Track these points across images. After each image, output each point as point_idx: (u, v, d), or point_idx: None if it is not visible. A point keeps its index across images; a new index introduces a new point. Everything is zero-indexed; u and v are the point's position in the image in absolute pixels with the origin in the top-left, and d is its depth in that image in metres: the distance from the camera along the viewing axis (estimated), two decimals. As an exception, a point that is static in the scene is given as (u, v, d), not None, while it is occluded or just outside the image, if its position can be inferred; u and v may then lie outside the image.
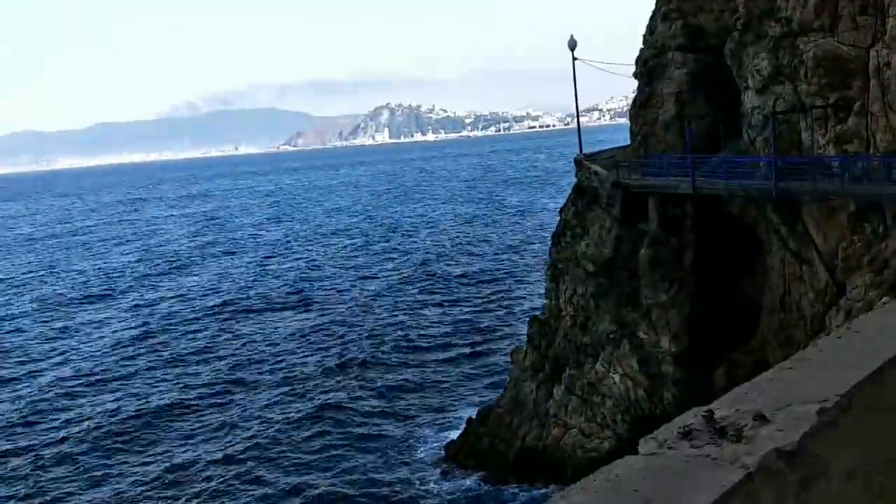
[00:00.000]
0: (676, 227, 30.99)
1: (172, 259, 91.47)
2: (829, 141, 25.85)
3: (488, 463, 34.19)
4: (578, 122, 33.64)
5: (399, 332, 49.97)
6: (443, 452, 35.97)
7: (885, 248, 24.45)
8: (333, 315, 55.81)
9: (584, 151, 33.10)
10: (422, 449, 36.87)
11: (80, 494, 32.81)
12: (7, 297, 74.85)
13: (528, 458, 33.18)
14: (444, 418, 38.69)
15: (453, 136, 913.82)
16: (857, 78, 24.95)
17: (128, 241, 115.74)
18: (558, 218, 33.80)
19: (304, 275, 73.63)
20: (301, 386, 42.68)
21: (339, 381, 42.90)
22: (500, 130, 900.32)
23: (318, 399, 40.91)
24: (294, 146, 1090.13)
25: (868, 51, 24.59)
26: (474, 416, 36.18)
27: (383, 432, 38.57)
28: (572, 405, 32.81)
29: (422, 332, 49.39)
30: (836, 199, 25.50)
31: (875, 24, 24.29)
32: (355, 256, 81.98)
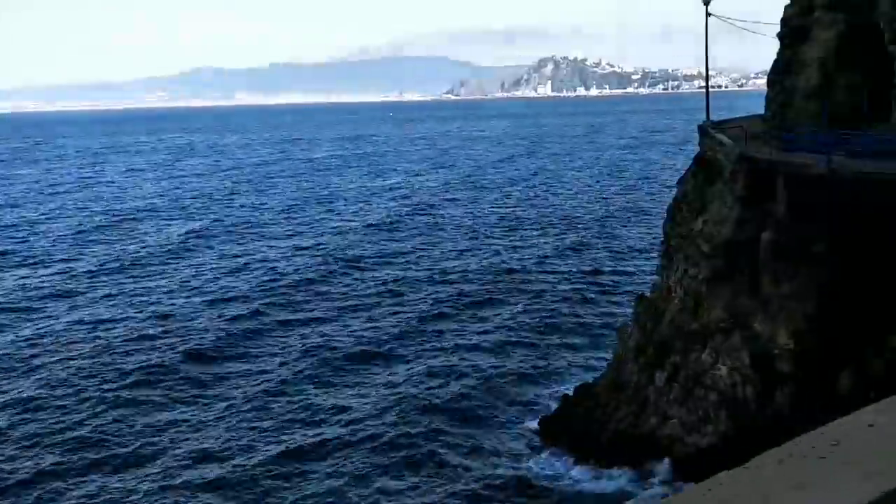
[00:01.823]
0: (808, 212, 27.49)
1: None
2: None
3: (582, 443, 32.55)
4: (707, 83, 30.32)
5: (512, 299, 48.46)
6: (537, 426, 34.70)
7: None
8: (449, 285, 54.58)
9: (712, 118, 29.94)
10: (517, 422, 35.69)
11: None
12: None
13: (622, 444, 31.21)
14: (544, 392, 37.20)
15: (618, 91, 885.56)
16: None
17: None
18: (676, 189, 30.96)
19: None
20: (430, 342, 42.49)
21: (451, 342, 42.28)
22: (668, 89, 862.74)
23: (439, 360, 40.42)
24: (456, 95, 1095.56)
25: None
26: (571, 393, 34.51)
27: (484, 403, 37.59)
28: (674, 394, 30.39)
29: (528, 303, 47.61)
30: None
31: None
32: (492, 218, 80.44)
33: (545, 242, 64.77)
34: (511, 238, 68.06)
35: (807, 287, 27.88)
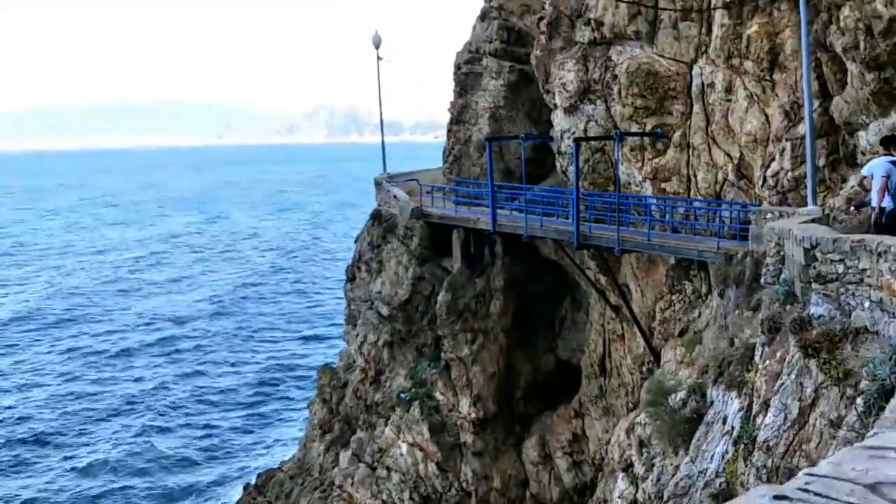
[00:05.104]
0: (483, 270, 25.70)
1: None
2: (645, 177, 20.81)
3: (264, 539, 28.38)
4: (382, 132, 28.04)
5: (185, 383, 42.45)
6: (218, 521, 30.12)
7: (697, 317, 19.47)
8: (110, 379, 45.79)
9: (388, 171, 27.56)
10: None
11: None
12: None
13: (304, 538, 27.46)
14: (229, 476, 32.57)
15: (394, 139, 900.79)
16: (678, 100, 19.98)
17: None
18: (353, 248, 28.13)
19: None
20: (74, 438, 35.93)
21: (120, 435, 36.22)
22: (438, 136, 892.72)
23: (94, 455, 34.32)
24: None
25: (691, 66, 19.66)
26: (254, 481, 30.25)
27: (159, 489, 32.30)
28: (359, 476, 27.16)
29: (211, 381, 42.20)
30: (646, 251, 20.46)
31: (699, 32, 19.35)
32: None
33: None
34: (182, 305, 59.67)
35: (485, 349, 25.99)
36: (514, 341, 26.87)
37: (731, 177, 19.17)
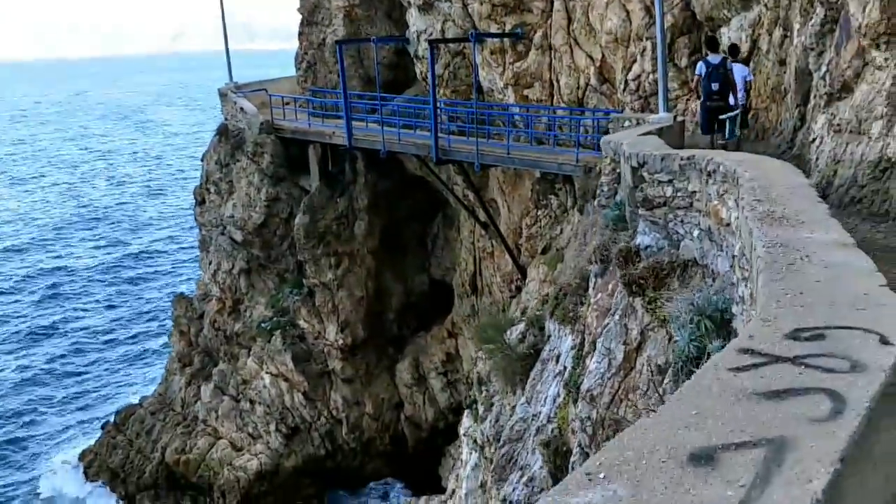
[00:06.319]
0: (345, 189, 23.82)
1: None
2: (507, 83, 19.14)
3: (125, 479, 26.63)
4: (225, 33, 25.10)
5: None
6: (78, 462, 28.10)
7: (559, 233, 18.32)
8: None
9: (234, 80, 24.90)
10: (58, 456, 28.71)
11: None
12: None
13: (168, 477, 25.87)
14: (89, 417, 30.43)
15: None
16: (538, -2, 18.19)
17: None
18: (200, 167, 25.61)
19: None
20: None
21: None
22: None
23: None
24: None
25: (550, -40, 17.84)
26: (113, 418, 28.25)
27: (19, 435, 29.95)
28: (223, 409, 25.57)
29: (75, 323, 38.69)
30: (508, 166, 19.01)
31: (558, -79, 17.46)
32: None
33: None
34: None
35: (352, 273, 24.40)
36: (384, 262, 25.37)
37: (593, 81, 17.73)
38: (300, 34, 24.35)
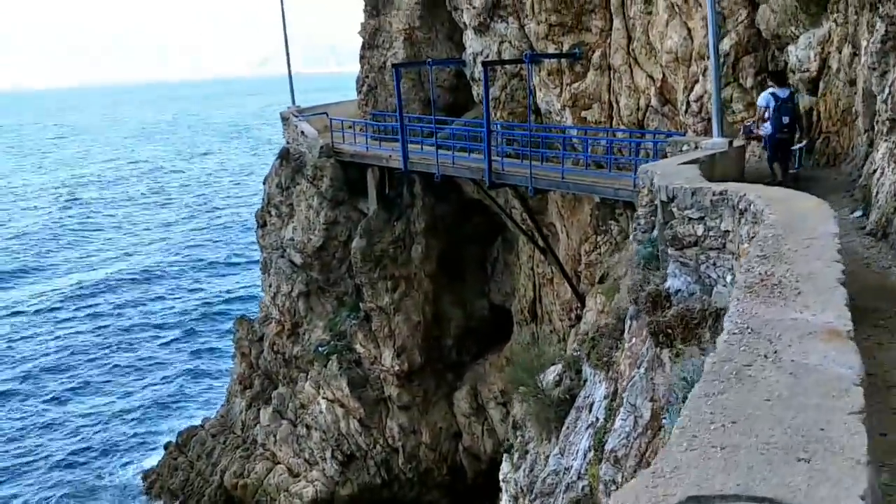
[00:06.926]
0: (402, 212, 23.43)
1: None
2: (564, 105, 18.38)
3: (185, 502, 26.76)
4: (288, 59, 25.18)
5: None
6: (140, 482, 28.43)
7: (616, 261, 17.38)
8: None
9: (297, 104, 24.94)
10: (121, 475, 29.14)
11: None
12: None
13: (227, 501, 25.83)
14: (152, 437, 30.82)
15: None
16: (597, 15, 17.43)
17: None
18: (262, 189, 25.69)
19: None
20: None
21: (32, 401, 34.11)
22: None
23: (13, 419, 32.43)
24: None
25: (608, -24, 17.08)
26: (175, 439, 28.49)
27: (83, 456, 30.55)
28: (281, 433, 25.41)
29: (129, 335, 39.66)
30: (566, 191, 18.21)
31: (616, -64, 16.69)
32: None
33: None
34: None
35: (409, 297, 23.92)
36: (442, 287, 24.79)
37: (654, 102, 16.79)
38: (361, 57, 24.22)
